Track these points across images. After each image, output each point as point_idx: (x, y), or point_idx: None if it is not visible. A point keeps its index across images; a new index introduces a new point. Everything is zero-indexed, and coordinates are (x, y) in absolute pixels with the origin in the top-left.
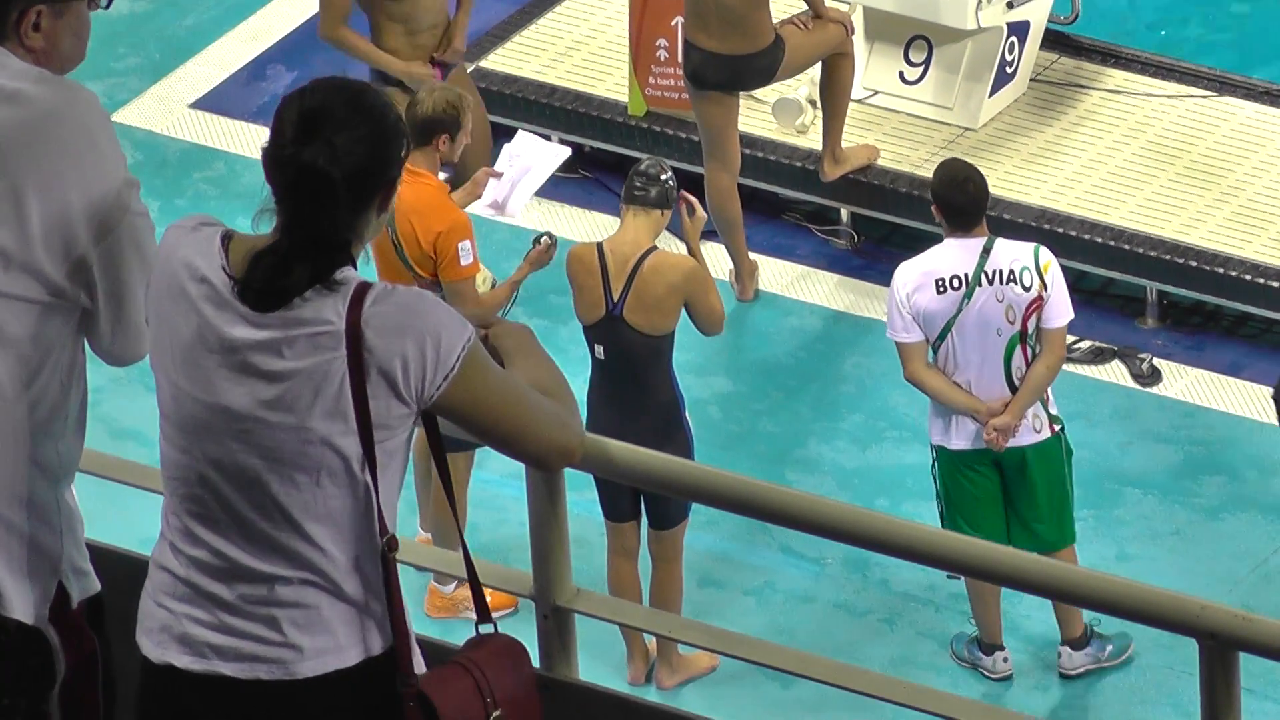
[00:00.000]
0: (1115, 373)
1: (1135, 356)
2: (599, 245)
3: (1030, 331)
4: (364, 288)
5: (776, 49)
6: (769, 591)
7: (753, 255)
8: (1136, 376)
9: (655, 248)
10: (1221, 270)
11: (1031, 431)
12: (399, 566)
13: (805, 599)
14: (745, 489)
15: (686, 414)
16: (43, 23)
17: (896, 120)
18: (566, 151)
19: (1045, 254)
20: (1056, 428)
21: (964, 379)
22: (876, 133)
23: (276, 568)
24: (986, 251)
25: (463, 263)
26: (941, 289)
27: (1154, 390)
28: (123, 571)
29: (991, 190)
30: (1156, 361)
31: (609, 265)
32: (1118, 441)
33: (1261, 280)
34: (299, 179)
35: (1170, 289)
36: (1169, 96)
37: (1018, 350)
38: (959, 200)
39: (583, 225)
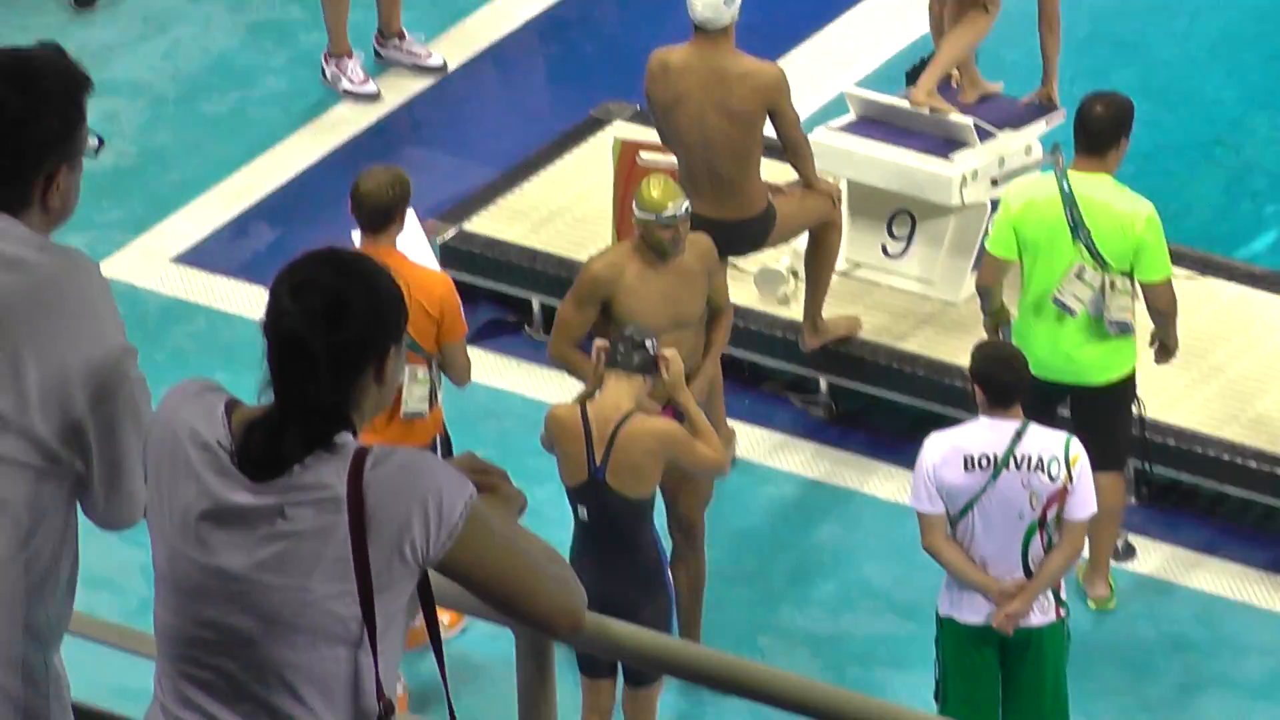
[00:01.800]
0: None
1: None
2: (582, 408)
3: (1050, 520)
4: (363, 452)
5: (768, 216)
6: None
7: (731, 422)
8: (1112, 552)
9: (634, 412)
10: (1200, 450)
11: (1040, 614)
12: None
13: None
14: (751, 675)
15: (669, 573)
16: (60, 180)
17: (878, 293)
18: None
19: (1076, 446)
20: (1063, 612)
21: (979, 556)
22: (858, 305)
23: None
24: (1019, 435)
25: (464, 318)
26: (970, 467)
27: (1128, 566)
28: None
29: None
30: (1132, 538)
31: (592, 429)
32: (1091, 616)
33: (1239, 460)
34: (280, 345)
35: (1148, 467)
36: None
37: (1036, 536)
38: (1007, 378)
39: (560, 389)
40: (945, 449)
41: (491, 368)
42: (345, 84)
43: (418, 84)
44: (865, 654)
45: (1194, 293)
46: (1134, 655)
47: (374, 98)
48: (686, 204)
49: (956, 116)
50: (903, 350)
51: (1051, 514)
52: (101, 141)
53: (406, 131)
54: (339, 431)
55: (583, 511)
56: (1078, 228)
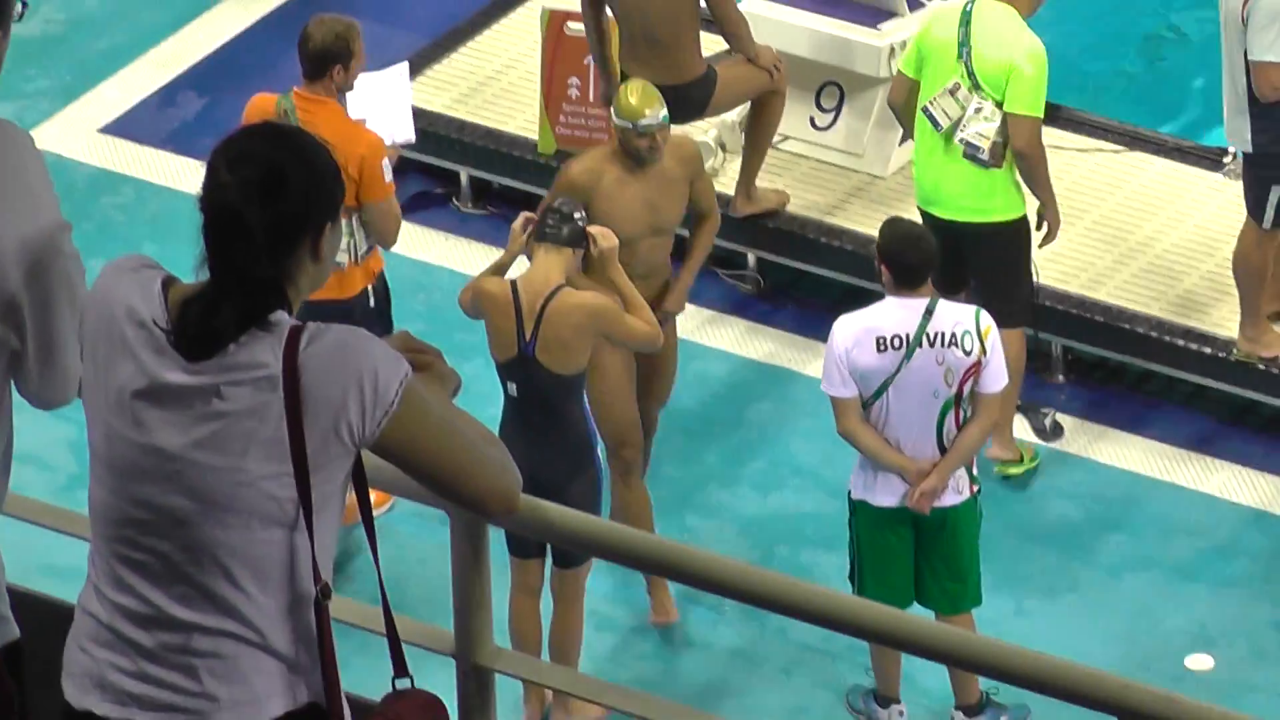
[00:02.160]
0: (1018, 427)
1: (1039, 411)
2: (513, 283)
3: (965, 395)
4: (298, 330)
5: (708, 80)
6: (666, 635)
7: None
8: (1039, 431)
9: (563, 285)
10: (1127, 326)
11: (954, 493)
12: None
13: (703, 646)
14: (679, 558)
15: (598, 450)
16: None
17: (806, 166)
18: (403, 66)
19: (986, 318)
20: (976, 488)
21: (894, 438)
22: (786, 178)
23: (200, 615)
24: (929, 312)
25: (385, 179)
26: (882, 347)
27: (1056, 445)
28: (42, 617)
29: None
30: (1059, 416)
31: (522, 303)
32: (1019, 496)
33: (1167, 338)
34: (216, 218)
35: (1075, 345)
36: (1079, 150)
37: (951, 413)
38: (913, 258)
39: (488, 262)
40: (856, 331)
41: (419, 240)
42: None
43: None
44: (793, 533)
45: (1121, 167)
46: (1062, 535)
47: None
48: (664, 111)
49: None
50: (830, 224)
51: (967, 389)
52: (25, 4)
53: (332, 1)
54: (275, 308)
55: (512, 387)
56: (963, 46)
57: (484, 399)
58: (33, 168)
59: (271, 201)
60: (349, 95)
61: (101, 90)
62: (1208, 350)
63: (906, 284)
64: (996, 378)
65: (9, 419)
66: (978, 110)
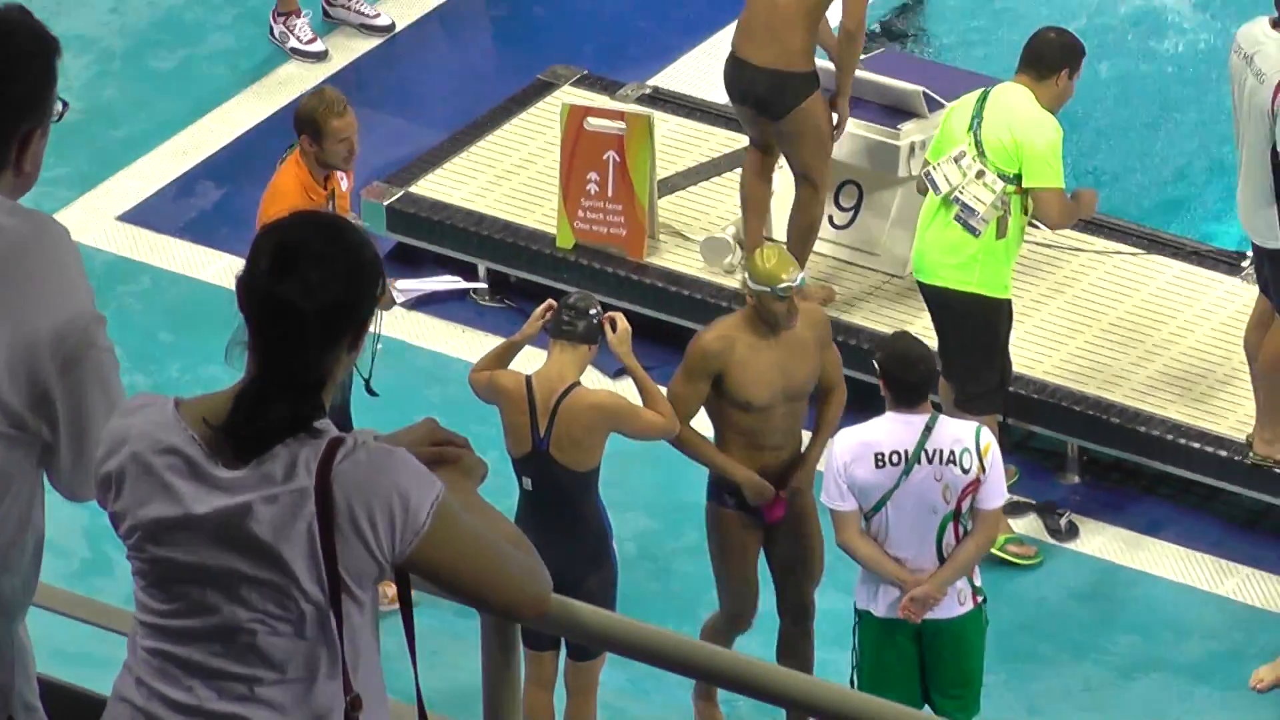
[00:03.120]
0: (1033, 526)
1: (1053, 512)
2: (527, 379)
3: (965, 511)
4: (336, 443)
5: (804, 82)
6: None
7: None
8: (1053, 532)
9: (578, 383)
10: (1143, 429)
11: (956, 604)
12: None
13: None
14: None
15: (614, 543)
16: (33, 144)
17: (823, 264)
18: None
19: (986, 435)
20: (980, 599)
21: (895, 551)
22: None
23: (238, 707)
24: (929, 429)
25: None
26: (880, 463)
27: (1070, 546)
28: (70, 708)
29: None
30: (1074, 517)
31: (536, 400)
32: (1032, 596)
33: (1182, 440)
34: (274, 314)
35: (1091, 445)
36: (1097, 252)
37: (950, 527)
38: (909, 379)
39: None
40: (855, 445)
41: (436, 332)
42: (293, 42)
43: (365, 44)
44: (818, 632)
45: (1139, 269)
46: (1074, 635)
47: (321, 57)
48: (802, 275)
49: (906, 85)
50: (847, 323)
51: (966, 505)
52: (65, 105)
53: (353, 92)
54: (320, 409)
55: (527, 482)
56: (975, 118)
57: (500, 493)
58: (68, 259)
59: (327, 298)
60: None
61: (120, 179)
62: (1223, 453)
63: (905, 403)
64: (995, 494)
65: (42, 511)
66: (979, 175)
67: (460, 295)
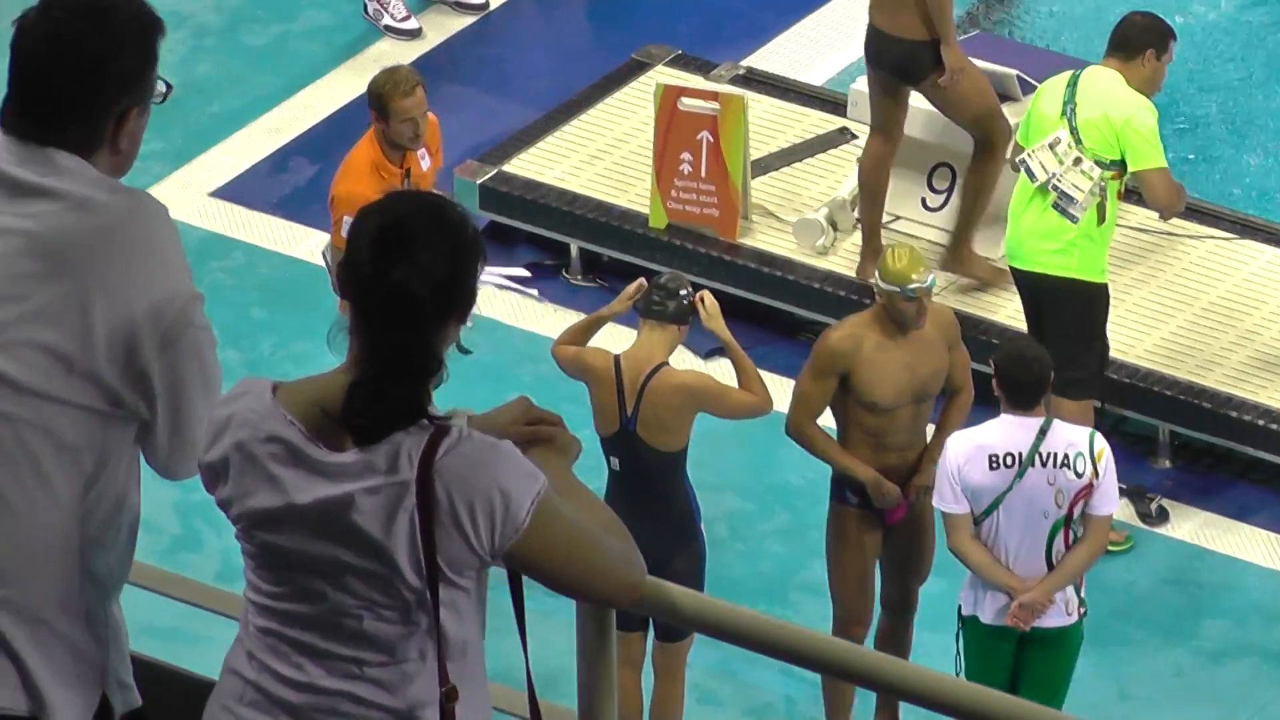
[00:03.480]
0: (1124, 511)
1: (1144, 496)
2: (616, 358)
3: (1076, 516)
4: (440, 434)
5: (925, 49)
6: (768, 712)
7: (767, 374)
8: (1144, 516)
9: (666, 364)
10: (1235, 414)
11: (1063, 614)
12: None
13: None
14: (799, 640)
15: (701, 524)
16: (130, 122)
17: (918, 246)
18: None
19: (1100, 441)
20: (1083, 610)
21: (1004, 555)
22: None
23: (346, 685)
24: (1043, 432)
25: (342, 233)
26: (994, 465)
27: (1161, 530)
28: (163, 686)
29: (1005, 323)
30: (1165, 502)
31: (624, 380)
32: (1123, 581)
33: (1275, 426)
34: (386, 299)
35: (1183, 430)
36: (1191, 236)
37: (1061, 533)
38: (1024, 379)
39: (598, 334)
40: (969, 448)
41: (529, 311)
42: (387, 19)
43: (459, 21)
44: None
45: (1232, 254)
46: (1165, 621)
47: (415, 34)
48: (932, 276)
49: (1001, 68)
50: (938, 305)
51: (1077, 510)
52: (170, 87)
53: (447, 69)
54: (430, 394)
55: (615, 462)
56: (1068, 104)
57: (591, 472)
58: (166, 238)
59: (437, 278)
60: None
61: (213, 154)
62: None
63: (1019, 404)
64: (1108, 500)
65: (138, 489)
66: (1076, 162)
67: (553, 273)
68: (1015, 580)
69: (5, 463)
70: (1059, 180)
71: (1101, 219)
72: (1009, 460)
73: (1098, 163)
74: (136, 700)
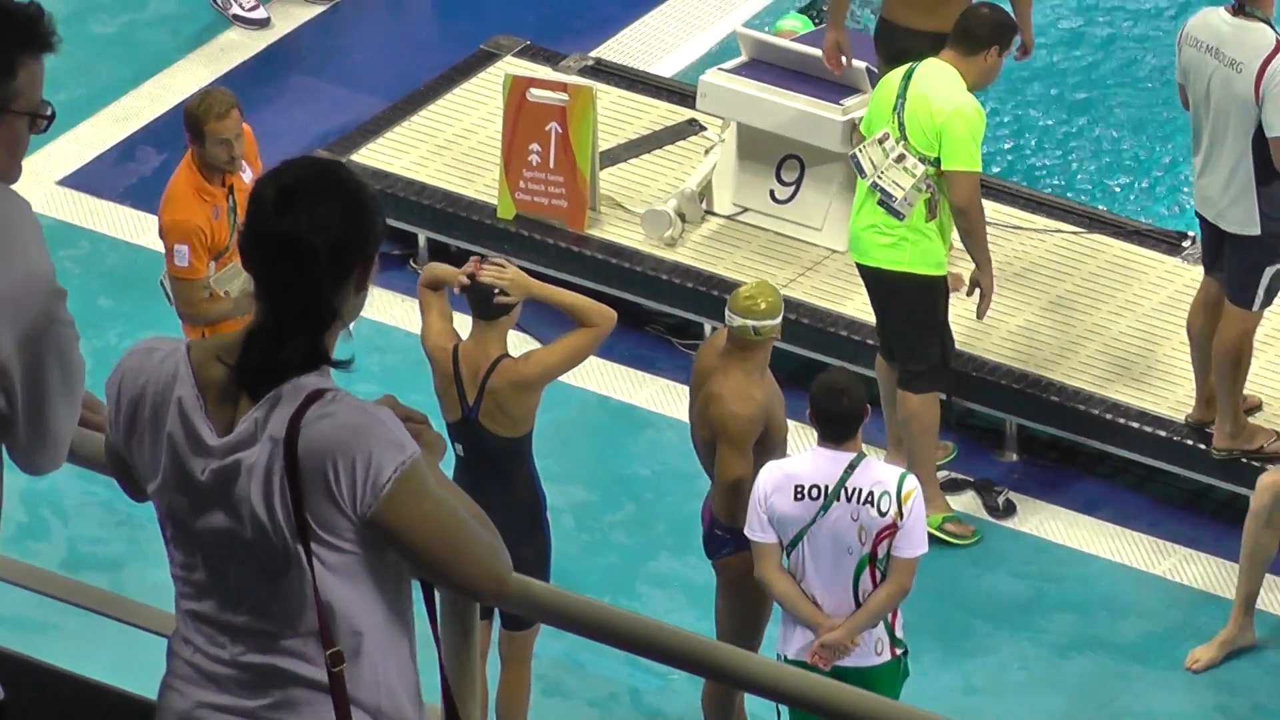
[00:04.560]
0: (971, 504)
1: (991, 489)
2: (455, 349)
3: (881, 556)
4: (314, 397)
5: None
6: (614, 704)
7: (615, 366)
8: (991, 509)
9: (505, 355)
10: (1082, 408)
11: (872, 654)
12: None
13: (650, 713)
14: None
15: (547, 513)
16: None
17: (765, 238)
18: None
19: (910, 482)
20: (899, 651)
21: (811, 590)
22: (744, 249)
23: (266, 659)
24: (852, 467)
25: (176, 263)
26: (799, 495)
27: (1008, 524)
28: (27, 680)
29: (854, 315)
30: (1012, 495)
31: (462, 373)
32: (970, 574)
33: (1121, 420)
34: (281, 249)
35: (1030, 423)
36: (1037, 230)
37: (866, 570)
38: (833, 410)
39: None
40: (778, 476)
41: (376, 302)
42: (235, 9)
43: (308, 11)
44: None
45: (1080, 248)
46: (1011, 614)
47: (264, 24)
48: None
49: (850, 62)
50: (788, 298)
51: (882, 550)
52: (52, 115)
53: (295, 59)
54: (332, 339)
55: (459, 448)
56: (899, 99)
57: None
58: (26, 232)
59: (335, 230)
60: None
61: (60, 143)
62: (1162, 433)
63: (831, 436)
64: (914, 543)
65: (0, 481)
66: (899, 160)
67: (399, 263)
68: (820, 615)
69: None
70: (880, 177)
71: (933, 215)
72: (814, 492)
73: (922, 160)
74: None
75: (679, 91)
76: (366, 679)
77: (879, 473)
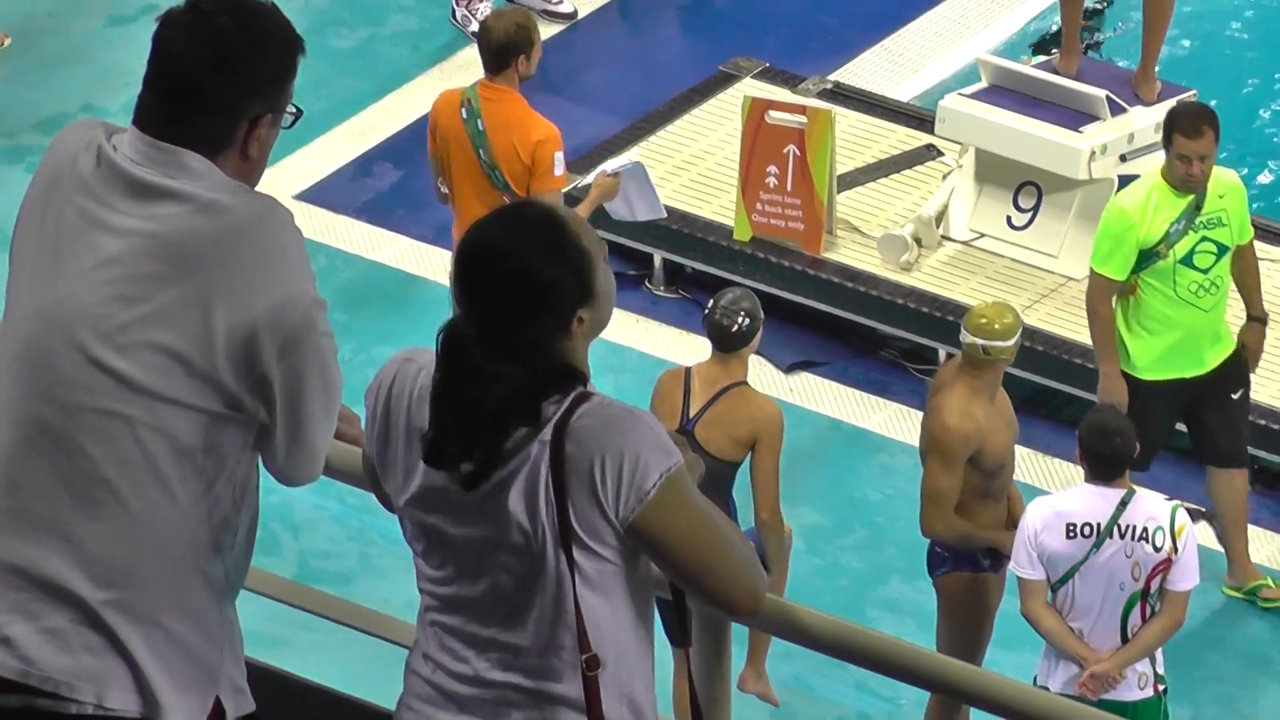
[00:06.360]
0: (1205, 535)
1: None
2: (687, 370)
3: (1153, 591)
4: (581, 399)
5: None
6: None
7: (848, 389)
8: None
9: (745, 383)
10: None
11: (1136, 689)
12: None
13: None
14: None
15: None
16: (262, 130)
17: (1000, 264)
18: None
19: (1182, 516)
20: (1161, 688)
21: (1078, 625)
22: (980, 275)
23: (508, 677)
24: (1124, 504)
25: (556, 172)
26: (1071, 534)
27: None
28: (276, 692)
29: (1088, 343)
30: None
31: (694, 383)
32: (1203, 604)
33: None
34: (512, 289)
35: (1265, 455)
36: None
37: (1137, 606)
38: (1105, 452)
39: (679, 345)
40: (1047, 514)
41: (611, 322)
42: (475, 26)
43: (547, 30)
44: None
45: None
46: (1245, 646)
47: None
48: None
49: (1089, 89)
50: (1024, 325)
51: (1155, 584)
52: (299, 113)
53: (533, 78)
54: (574, 356)
55: None
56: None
57: None
58: (290, 243)
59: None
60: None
61: (298, 158)
62: None
63: (1100, 475)
64: (1186, 575)
65: (257, 493)
66: None
67: (635, 283)
68: (1087, 650)
69: (123, 464)
70: None
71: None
72: (1087, 530)
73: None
74: (250, 705)
75: (917, 116)
76: (611, 693)
77: (1151, 508)
